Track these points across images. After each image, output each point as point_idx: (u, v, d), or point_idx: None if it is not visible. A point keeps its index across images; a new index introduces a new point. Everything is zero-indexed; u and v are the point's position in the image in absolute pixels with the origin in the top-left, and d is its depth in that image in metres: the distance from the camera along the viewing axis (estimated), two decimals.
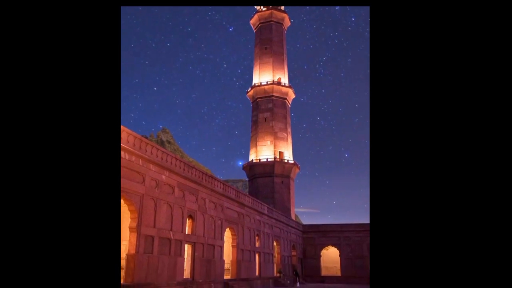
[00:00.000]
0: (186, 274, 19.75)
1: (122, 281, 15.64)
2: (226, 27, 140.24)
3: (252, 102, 48.05)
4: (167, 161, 18.39)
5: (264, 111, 46.22)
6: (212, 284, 21.54)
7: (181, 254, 18.76)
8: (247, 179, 48.99)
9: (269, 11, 49.69)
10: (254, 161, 44.47)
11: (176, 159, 19.38)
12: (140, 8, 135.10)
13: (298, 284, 34.70)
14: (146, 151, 16.79)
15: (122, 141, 15.13)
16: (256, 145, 45.45)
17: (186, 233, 19.64)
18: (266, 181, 43.38)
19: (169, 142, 73.70)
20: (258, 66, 48.96)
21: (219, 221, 23.37)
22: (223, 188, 24.25)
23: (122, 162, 15.25)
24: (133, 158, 15.95)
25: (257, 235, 29.57)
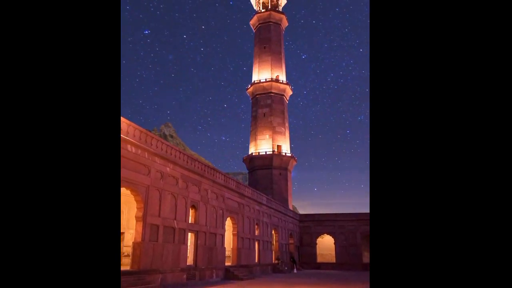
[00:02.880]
0: (189, 261, 19.80)
1: (128, 268, 15.72)
2: (300, 54, 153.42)
3: (252, 98, 47.99)
4: (171, 154, 18.37)
5: (263, 106, 46.17)
6: (213, 270, 21.60)
7: (184, 242, 18.79)
8: (247, 172, 49.01)
9: (268, 12, 49.51)
10: (253, 154, 44.47)
11: (180, 152, 19.35)
12: (225, 37, 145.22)
13: (295, 271, 34.81)
14: (152, 144, 16.76)
15: (128, 135, 15.12)
16: (255, 139, 45.44)
17: (189, 222, 19.67)
18: (265, 173, 43.43)
19: (171, 136, 73.50)
20: (257, 64, 48.83)
21: (221, 211, 23.39)
22: (224, 180, 24.25)
23: (129, 155, 15.24)
24: (139, 151, 15.93)
25: (257, 224, 29.62)
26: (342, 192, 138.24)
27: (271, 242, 32.96)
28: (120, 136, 14.53)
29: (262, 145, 44.67)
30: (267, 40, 49.12)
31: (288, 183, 44.37)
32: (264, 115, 45.77)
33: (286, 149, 45.10)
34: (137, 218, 16.01)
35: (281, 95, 46.74)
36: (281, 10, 51.62)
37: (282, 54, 49.71)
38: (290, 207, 43.61)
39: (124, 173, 14.82)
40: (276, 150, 44.06)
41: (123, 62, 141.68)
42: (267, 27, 49.61)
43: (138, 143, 15.67)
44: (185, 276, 18.49)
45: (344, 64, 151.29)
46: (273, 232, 34.04)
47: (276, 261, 33.60)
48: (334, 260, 41.82)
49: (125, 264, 20.26)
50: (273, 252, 34.02)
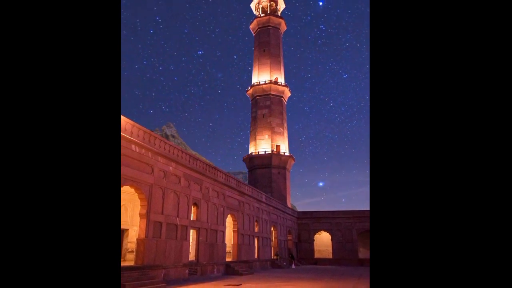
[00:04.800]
0: (191, 256, 19.76)
1: (133, 263, 15.67)
2: (341, 74, 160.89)
3: (252, 100, 47.97)
4: (173, 153, 18.32)
5: (263, 108, 46.15)
6: (215, 266, 21.55)
7: (186, 238, 18.73)
8: (246, 172, 48.95)
9: (267, 17, 49.47)
10: (253, 153, 44.44)
11: (182, 151, 19.31)
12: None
13: (293, 266, 34.77)
14: (155, 144, 16.72)
15: (132, 135, 15.09)
16: (255, 139, 45.40)
17: (191, 219, 19.61)
18: (264, 172, 43.39)
19: (173, 136, 73.37)
20: (257, 67, 48.79)
21: (221, 208, 23.34)
22: (225, 178, 24.20)
23: (133, 155, 15.20)
24: (143, 151, 15.88)
25: (256, 221, 29.57)
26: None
27: (270, 238, 32.91)
28: (120, 135, 14.48)
29: (261, 145, 44.63)
30: (266, 43, 49.10)
31: (287, 181, 44.33)
32: (264, 116, 45.74)
33: (284, 149, 45.06)
34: (141, 215, 15.98)
35: (280, 97, 46.71)
36: (280, 15, 51.58)
37: (281, 57, 49.68)
38: (289, 205, 43.56)
39: (128, 171, 14.78)
40: (275, 150, 44.04)
41: (174, 78, 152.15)
42: (266, 31, 49.59)
43: (142, 143, 15.62)
44: (187, 271, 18.44)
45: None
46: (272, 228, 33.99)
47: (275, 257, 33.56)
48: (331, 256, 41.83)
49: (130, 260, 20.23)
50: (272, 248, 33.97)
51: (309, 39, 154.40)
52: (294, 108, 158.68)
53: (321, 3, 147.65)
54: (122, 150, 14.53)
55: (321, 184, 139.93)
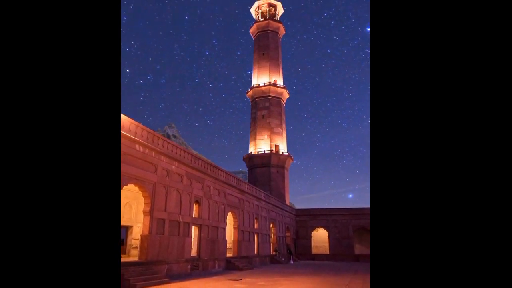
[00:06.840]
0: (193, 252, 19.73)
1: (137, 259, 15.65)
2: None
3: (251, 101, 47.94)
4: (176, 153, 18.29)
5: (262, 109, 46.12)
6: (216, 261, 21.51)
7: (188, 235, 18.71)
8: (246, 171, 48.93)
9: (266, 21, 49.42)
10: (253, 153, 44.42)
11: (184, 151, 19.28)
12: (317, 78, 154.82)
13: (291, 261, 34.75)
14: (158, 144, 16.69)
15: (137, 135, 15.07)
16: (254, 139, 45.37)
17: (193, 216, 19.58)
18: (264, 170, 43.37)
19: (175, 136, 73.23)
20: (256, 70, 48.74)
21: (222, 206, 23.30)
22: (225, 177, 24.16)
23: (137, 154, 15.18)
24: (147, 150, 15.85)
25: (256, 218, 29.54)
26: None
27: (269, 235, 32.88)
28: (120, 135, 14.44)
29: (261, 145, 44.61)
30: (265, 47, 49.05)
31: (285, 180, 44.32)
32: (263, 117, 45.72)
33: (283, 148, 45.05)
34: (144, 212, 15.95)
35: (279, 98, 46.69)
36: (278, 19, 51.55)
37: (280, 60, 49.65)
38: (287, 203, 43.53)
39: (132, 170, 14.74)
40: (274, 149, 44.03)
41: (222, 95, 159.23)
42: (266, 35, 49.53)
43: (145, 143, 15.59)
44: (189, 266, 18.41)
45: None
46: (271, 225, 33.96)
47: (274, 253, 33.53)
48: (328, 252, 41.79)
49: (134, 255, 20.21)
50: (271, 244, 33.93)
51: (354, 61, 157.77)
52: (332, 124, 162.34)
53: (368, 29, 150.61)
54: (127, 150, 14.49)
55: (350, 196, 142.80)
